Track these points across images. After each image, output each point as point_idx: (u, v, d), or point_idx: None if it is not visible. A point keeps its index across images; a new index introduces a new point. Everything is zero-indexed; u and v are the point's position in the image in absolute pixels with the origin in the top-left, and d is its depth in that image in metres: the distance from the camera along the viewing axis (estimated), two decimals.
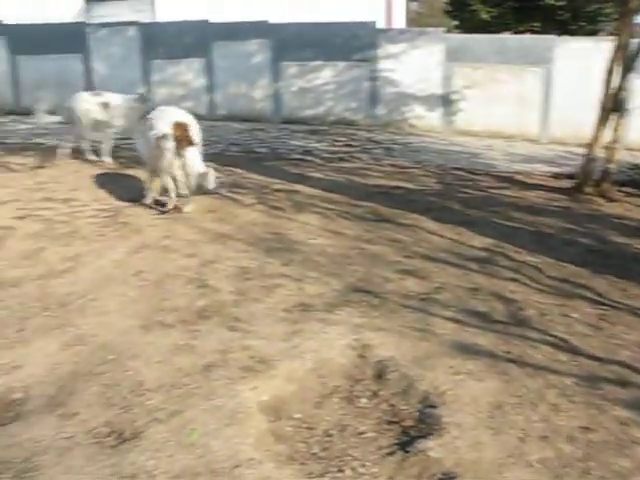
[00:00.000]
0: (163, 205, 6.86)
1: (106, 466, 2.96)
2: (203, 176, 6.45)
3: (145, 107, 8.67)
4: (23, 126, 13.41)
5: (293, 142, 11.77)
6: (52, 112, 9.52)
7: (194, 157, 6.45)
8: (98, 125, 9.08)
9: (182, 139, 6.44)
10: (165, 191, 6.81)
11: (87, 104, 9.00)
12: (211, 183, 6.44)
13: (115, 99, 9.09)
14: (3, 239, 6.00)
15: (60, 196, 7.35)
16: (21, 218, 6.59)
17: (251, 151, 10.71)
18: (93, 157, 9.18)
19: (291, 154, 10.49)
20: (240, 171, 8.79)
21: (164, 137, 6.45)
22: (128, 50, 15.26)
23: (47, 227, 6.30)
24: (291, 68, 14.31)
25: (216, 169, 8.23)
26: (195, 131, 6.60)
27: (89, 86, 15.36)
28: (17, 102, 16.26)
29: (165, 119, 6.66)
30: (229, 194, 7.44)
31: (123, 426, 3.25)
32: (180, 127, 6.50)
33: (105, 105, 8.88)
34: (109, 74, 15.22)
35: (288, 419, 3.46)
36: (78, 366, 3.79)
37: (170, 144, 6.44)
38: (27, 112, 15.49)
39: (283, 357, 3.86)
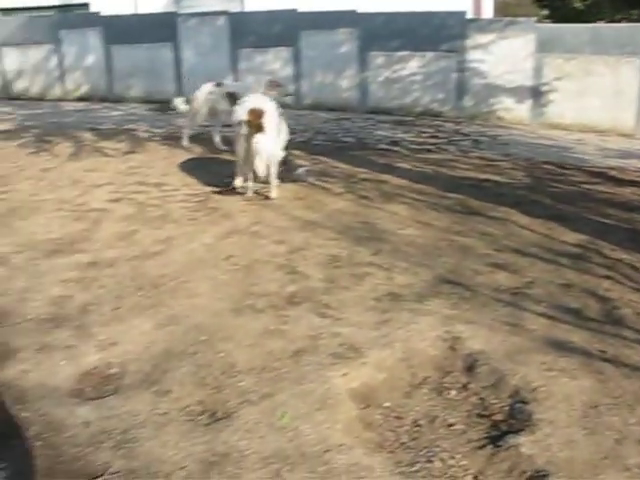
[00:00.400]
0: (248, 191, 6.96)
1: (200, 443, 3.02)
2: (275, 162, 6.61)
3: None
4: (115, 113, 13.86)
5: (379, 132, 11.70)
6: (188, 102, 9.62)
7: (264, 143, 6.52)
8: (218, 114, 9.19)
9: (254, 125, 6.56)
10: (254, 177, 6.89)
11: (211, 95, 9.13)
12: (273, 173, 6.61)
13: (239, 89, 9.06)
14: (99, 221, 6.22)
15: (152, 180, 7.56)
16: (115, 201, 6.82)
17: (337, 140, 10.71)
18: (188, 144, 9.35)
19: (377, 144, 10.43)
20: (327, 160, 8.80)
21: (239, 123, 6.67)
22: (217, 39, 15.49)
23: (140, 210, 6.49)
24: (378, 58, 14.21)
25: (303, 157, 8.34)
26: (270, 118, 6.66)
27: (178, 74, 15.75)
28: (110, 90, 16.78)
29: (244, 106, 6.83)
30: (317, 182, 7.47)
31: (216, 406, 3.31)
32: (254, 113, 6.63)
33: (230, 95, 8.83)
34: (198, 62, 15.50)
35: (377, 407, 3.45)
36: (171, 345, 3.89)
37: (244, 130, 6.60)
38: (119, 99, 16.06)
39: (373, 345, 3.84)
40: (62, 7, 18.94)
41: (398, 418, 3.38)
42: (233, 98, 8.39)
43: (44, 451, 3.02)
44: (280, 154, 6.77)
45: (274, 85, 9.25)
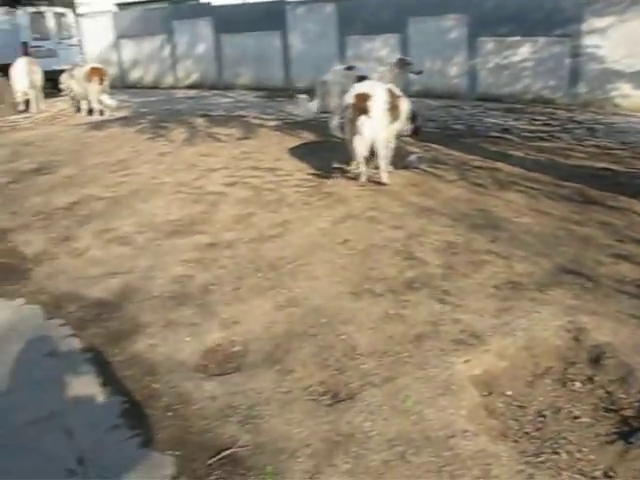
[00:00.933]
0: (361, 176, 6.95)
1: (324, 422, 3.05)
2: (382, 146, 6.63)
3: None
4: (225, 100, 14.19)
5: (489, 120, 11.44)
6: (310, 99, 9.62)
7: (367, 125, 6.50)
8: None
9: (358, 108, 6.57)
10: (367, 163, 6.89)
11: (342, 78, 9.06)
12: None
13: (369, 72, 8.98)
14: (216, 204, 6.38)
15: (265, 165, 7.68)
16: (231, 185, 6.97)
17: (447, 127, 10.55)
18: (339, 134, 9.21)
19: (488, 132, 10.18)
20: (438, 147, 8.68)
21: (346, 107, 6.71)
22: (325, 26, 15.56)
23: (255, 194, 6.61)
24: (487, 44, 13.88)
25: (414, 145, 8.25)
26: (377, 103, 6.61)
27: (286, 61, 15.92)
28: (219, 77, 17.20)
29: (353, 91, 6.86)
30: (429, 169, 7.38)
31: (338, 387, 3.32)
32: (360, 98, 6.64)
33: (360, 79, 8.50)
34: (305, 50, 15.64)
35: (499, 395, 3.37)
36: (292, 326, 3.93)
37: (349, 114, 6.64)
38: (228, 87, 16.43)
39: (494, 333, 3.75)
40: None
41: (521, 407, 3.29)
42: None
43: (174, 422, 3.14)
44: (385, 138, 6.72)
45: (404, 63, 9.17)
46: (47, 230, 6.09)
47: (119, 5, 20.80)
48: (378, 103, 6.64)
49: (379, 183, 6.77)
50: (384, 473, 2.71)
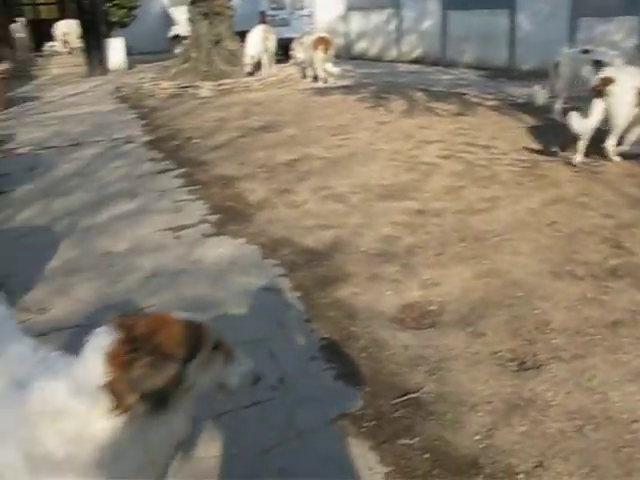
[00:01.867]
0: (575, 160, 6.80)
1: (507, 385, 3.18)
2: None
3: None
4: (446, 76, 14.24)
5: None
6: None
7: (599, 111, 6.42)
8: (576, 82, 8.74)
9: (599, 92, 6.52)
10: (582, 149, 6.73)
11: (574, 61, 8.83)
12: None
13: (606, 57, 8.52)
14: (429, 174, 6.59)
15: (480, 142, 7.74)
16: (445, 158, 7.14)
17: None
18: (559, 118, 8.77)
19: None
20: None
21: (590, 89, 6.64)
22: (556, 6, 14.93)
23: (468, 168, 6.72)
24: None
25: None
26: (621, 88, 6.38)
27: (511, 42, 15.55)
28: (443, 54, 17.20)
29: (600, 74, 6.71)
30: None
31: (526, 356, 3.42)
32: (604, 81, 6.53)
33: (596, 63, 8.21)
34: (533, 31, 15.14)
35: None
36: (489, 295, 4.07)
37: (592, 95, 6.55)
38: (451, 64, 16.42)
39: None
40: None
41: None
42: (599, 66, 7.82)
43: (367, 362, 3.43)
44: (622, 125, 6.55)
45: None
46: (269, 181, 6.67)
47: None
48: (622, 88, 6.43)
49: (594, 172, 6.58)
50: (559, 441, 2.79)
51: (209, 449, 2.84)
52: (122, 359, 1.46)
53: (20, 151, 8.95)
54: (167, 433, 1.57)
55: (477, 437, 2.83)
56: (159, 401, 1.50)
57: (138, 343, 1.48)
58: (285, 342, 3.69)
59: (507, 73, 14.46)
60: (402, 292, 4.17)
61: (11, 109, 12.47)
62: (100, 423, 1.48)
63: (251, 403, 3.13)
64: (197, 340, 1.60)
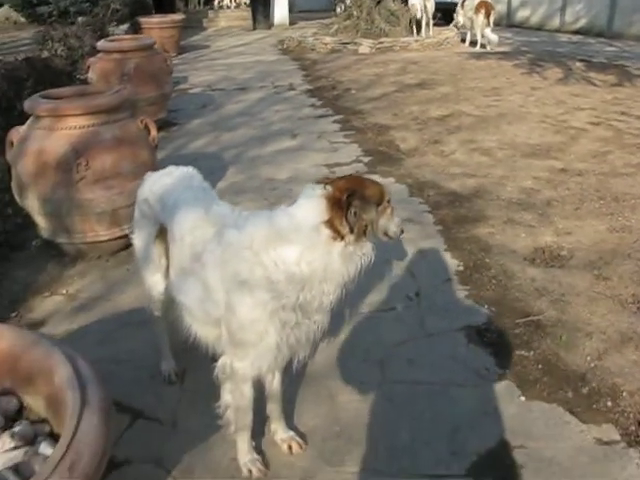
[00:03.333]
0: None
1: (624, 321, 3.47)
2: None
3: None
4: (609, 48, 13.83)
5: None
6: None
7: None
8: None
9: None
10: None
11: None
12: None
13: None
14: (575, 137, 6.75)
15: (635, 112, 7.72)
16: (594, 124, 7.24)
17: None
18: None
19: None
20: None
21: None
22: None
23: (617, 135, 6.81)
24: None
25: None
26: None
27: None
28: (609, 25, 16.59)
29: None
30: None
31: None
32: None
33: None
34: None
35: None
36: (619, 247, 4.31)
37: None
38: (617, 36, 15.85)
39: None
40: None
41: None
42: None
43: (496, 288, 3.84)
44: None
45: None
46: (420, 132, 7.09)
47: None
48: None
49: None
50: None
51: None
52: (341, 203, 2.01)
53: (192, 91, 9.83)
54: (361, 258, 2.11)
55: (588, 358, 3.18)
56: (362, 233, 2.07)
57: (350, 193, 2.02)
58: (424, 265, 4.15)
59: None
60: (536, 236, 4.50)
61: (183, 55, 13.48)
62: (319, 251, 2.05)
63: (388, 308, 3.65)
64: (383, 194, 2.14)
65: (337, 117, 7.83)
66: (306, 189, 2.13)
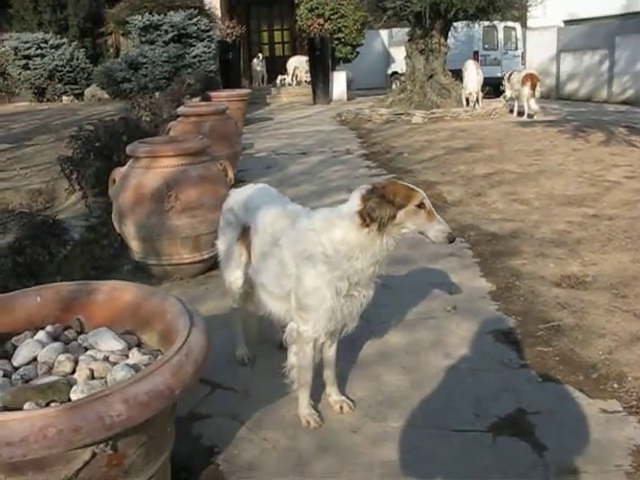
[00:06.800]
0: None
1: (636, 327, 3.95)
2: None
3: None
4: None
5: None
6: None
7: None
8: None
9: None
10: None
11: None
12: None
13: None
14: (610, 189, 7.33)
15: None
16: (629, 178, 7.81)
17: None
18: None
19: None
20: None
21: None
22: None
23: None
24: None
25: None
26: None
27: None
28: None
29: None
30: None
31: None
32: None
33: None
34: None
35: None
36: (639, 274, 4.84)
37: None
38: None
39: None
40: (622, 15, 19.77)
41: None
42: None
43: (523, 303, 4.40)
44: None
45: None
46: (465, 187, 7.76)
47: (566, 22, 21.83)
48: None
49: None
50: None
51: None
52: (365, 199, 2.70)
53: (258, 155, 10.77)
54: (384, 246, 2.76)
55: (600, 352, 3.70)
56: (381, 225, 2.71)
57: (374, 192, 2.70)
58: (462, 287, 4.74)
59: None
60: (564, 266, 5.05)
61: (249, 126, 14.58)
62: (353, 233, 2.73)
63: (430, 317, 4.25)
64: (406, 196, 2.75)
65: (389, 175, 8.55)
66: (356, 189, 2.81)
